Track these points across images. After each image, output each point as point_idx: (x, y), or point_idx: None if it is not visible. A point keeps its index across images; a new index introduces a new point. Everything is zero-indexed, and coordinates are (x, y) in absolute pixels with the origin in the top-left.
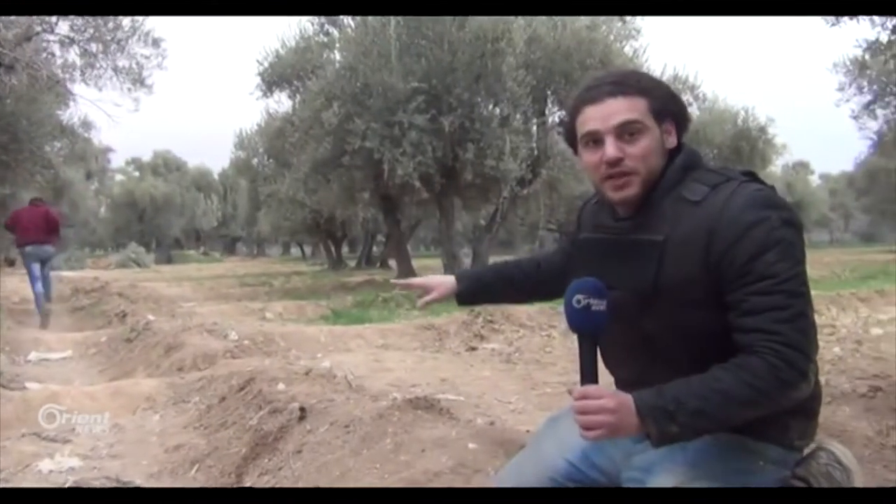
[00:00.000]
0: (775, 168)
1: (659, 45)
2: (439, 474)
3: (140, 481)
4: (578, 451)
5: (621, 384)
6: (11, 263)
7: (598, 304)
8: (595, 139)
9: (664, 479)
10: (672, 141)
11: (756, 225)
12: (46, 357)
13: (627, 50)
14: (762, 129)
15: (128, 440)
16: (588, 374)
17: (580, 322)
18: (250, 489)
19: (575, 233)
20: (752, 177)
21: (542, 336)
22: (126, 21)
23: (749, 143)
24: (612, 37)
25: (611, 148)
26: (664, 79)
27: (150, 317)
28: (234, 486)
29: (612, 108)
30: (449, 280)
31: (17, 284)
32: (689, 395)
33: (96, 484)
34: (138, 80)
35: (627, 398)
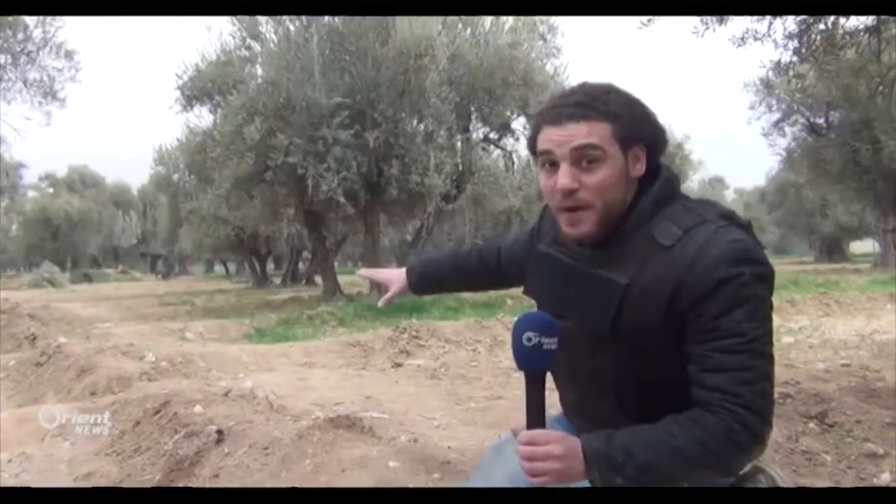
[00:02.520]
0: (692, 183)
1: (579, 63)
2: None
3: None
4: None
5: (565, 405)
6: None
7: (550, 343)
8: (551, 161)
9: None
10: (640, 168)
11: (728, 281)
12: None
13: (549, 68)
14: (679, 146)
15: (35, 469)
16: (534, 416)
17: (530, 361)
18: (250, 489)
19: (535, 234)
20: (730, 220)
21: (468, 351)
22: (37, 32)
23: (667, 158)
24: (533, 55)
25: (564, 176)
26: None
27: (63, 339)
28: None
29: (571, 132)
30: (402, 274)
31: None
32: (639, 447)
33: None
34: (50, 93)
35: (575, 444)
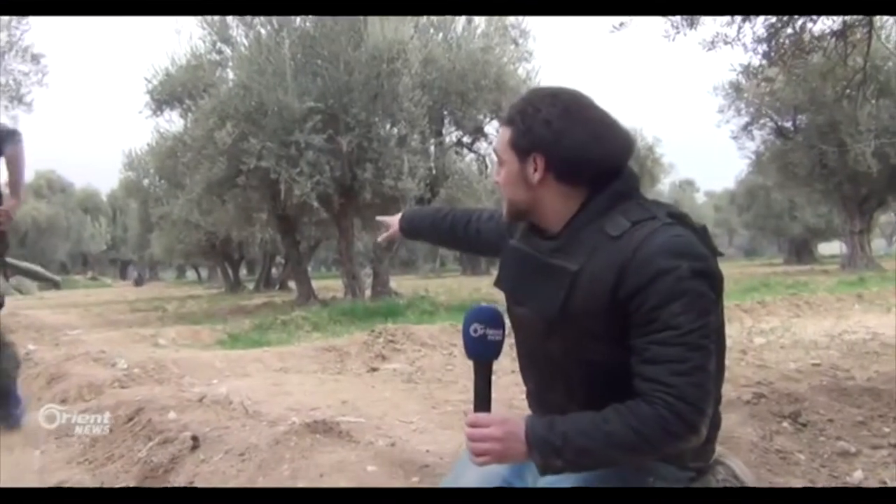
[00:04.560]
0: (663, 186)
1: (551, 67)
2: None
3: None
4: (499, 479)
5: (528, 394)
6: None
7: (495, 334)
8: None
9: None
10: (537, 176)
11: (665, 273)
12: None
13: (521, 72)
14: (650, 149)
15: (4, 480)
16: (481, 401)
17: (476, 350)
18: (251, 489)
19: (511, 230)
20: (678, 218)
21: (444, 354)
22: (2, 35)
23: (638, 162)
24: (505, 59)
25: (494, 171)
26: None
27: (31, 346)
28: None
29: (498, 135)
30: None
31: None
32: (576, 433)
33: None
34: (16, 98)
35: (517, 427)
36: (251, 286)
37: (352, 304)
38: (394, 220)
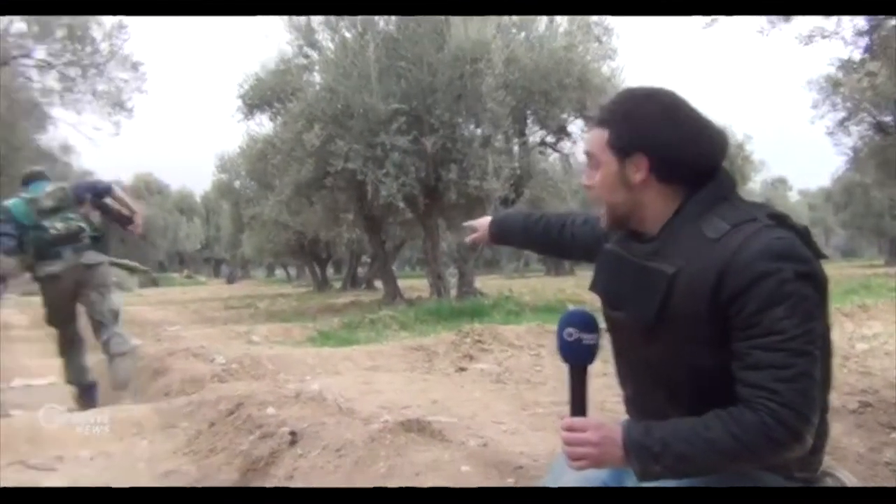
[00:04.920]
0: (754, 184)
1: (636, 64)
2: None
3: None
4: (598, 482)
5: (626, 400)
6: None
7: (589, 339)
8: None
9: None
10: (639, 177)
11: (767, 276)
12: (30, 384)
13: (605, 70)
14: (740, 146)
15: (116, 467)
16: (576, 405)
17: (570, 355)
18: (251, 489)
19: (608, 234)
20: (779, 220)
21: (531, 355)
22: (104, 45)
23: (728, 159)
24: (588, 57)
25: (584, 174)
26: None
27: (135, 341)
28: None
29: (589, 136)
30: (487, 222)
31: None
32: (676, 439)
33: None
34: (118, 104)
35: (614, 432)
36: (338, 285)
37: (438, 303)
38: (481, 224)
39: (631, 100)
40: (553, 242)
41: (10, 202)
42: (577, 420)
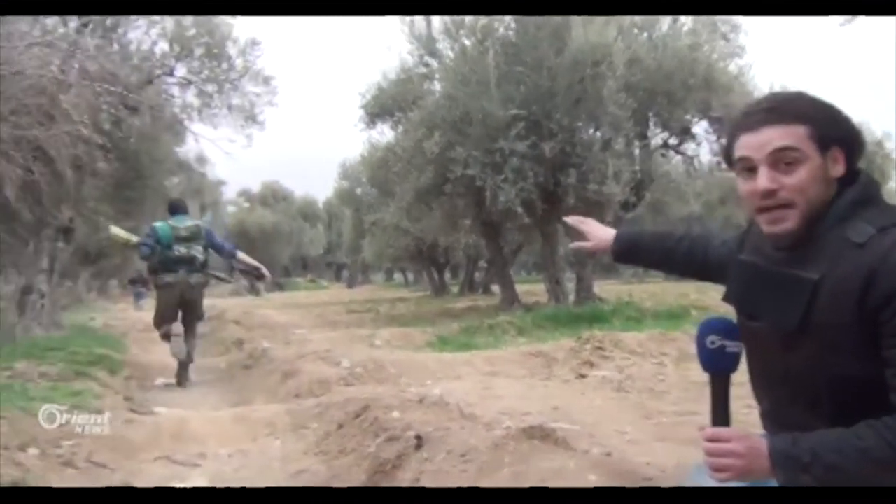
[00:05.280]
0: (895, 183)
1: (764, 61)
2: None
3: None
4: None
5: (762, 414)
6: None
7: (733, 346)
8: (749, 167)
9: None
10: (839, 169)
11: None
12: (171, 382)
13: (732, 68)
14: (879, 144)
15: (252, 465)
16: (719, 415)
17: (713, 363)
18: (252, 489)
19: (740, 242)
20: None
21: (654, 363)
22: (239, 61)
23: (865, 158)
24: (715, 55)
25: (763, 178)
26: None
27: (266, 344)
28: None
29: (767, 136)
30: (607, 236)
31: (141, 314)
32: (825, 449)
33: None
34: (250, 117)
35: (760, 443)
36: (455, 290)
37: (556, 309)
38: (597, 235)
39: (809, 96)
40: (696, 265)
41: (158, 224)
42: (722, 430)
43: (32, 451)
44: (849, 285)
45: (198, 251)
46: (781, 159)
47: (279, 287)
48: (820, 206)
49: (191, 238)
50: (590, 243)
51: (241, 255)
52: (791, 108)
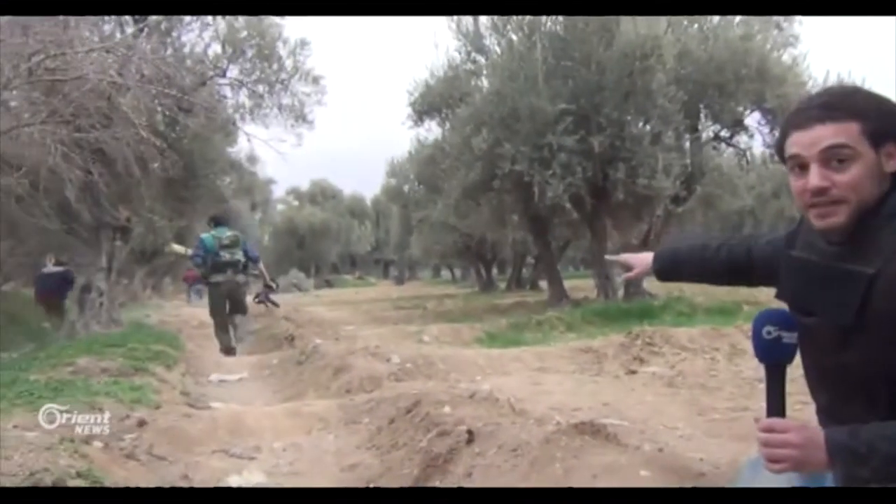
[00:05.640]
0: None
1: (820, 50)
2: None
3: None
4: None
5: (818, 410)
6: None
7: (789, 337)
8: (800, 164)
9: None
10: (893, 165)
11: None
12: (225, 378)
13: (786, 58)
14: None
15: (306, 458)
16: (774, 406)
17: (769, 354)
18: (254, 489)
19: (790, 241)
20: None
21: (706, 359)
22: (289, 61)
23: None
24: (768, 45)
25: (814, 177)
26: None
27: (317, 340)
28: None
29: (819, 134)
30: (647, 259)
31: (195, 310)
32: (884, 440)
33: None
34: (300, 117)
35: (817, 434)
36: (502, 286)
37: (605, 304)
38: (639, 261)
39: (863, 91)
40: (741, 270)
41: (204, 235)
42: (778, 421)
43: (96, 443)
44: None
45: (239, 255)
46: (833, 157)
47: (328, 284)
48: (872, 202)
49: (231, 245)
50: (633, 271)
51: (261, 265)
52: (843, 104)
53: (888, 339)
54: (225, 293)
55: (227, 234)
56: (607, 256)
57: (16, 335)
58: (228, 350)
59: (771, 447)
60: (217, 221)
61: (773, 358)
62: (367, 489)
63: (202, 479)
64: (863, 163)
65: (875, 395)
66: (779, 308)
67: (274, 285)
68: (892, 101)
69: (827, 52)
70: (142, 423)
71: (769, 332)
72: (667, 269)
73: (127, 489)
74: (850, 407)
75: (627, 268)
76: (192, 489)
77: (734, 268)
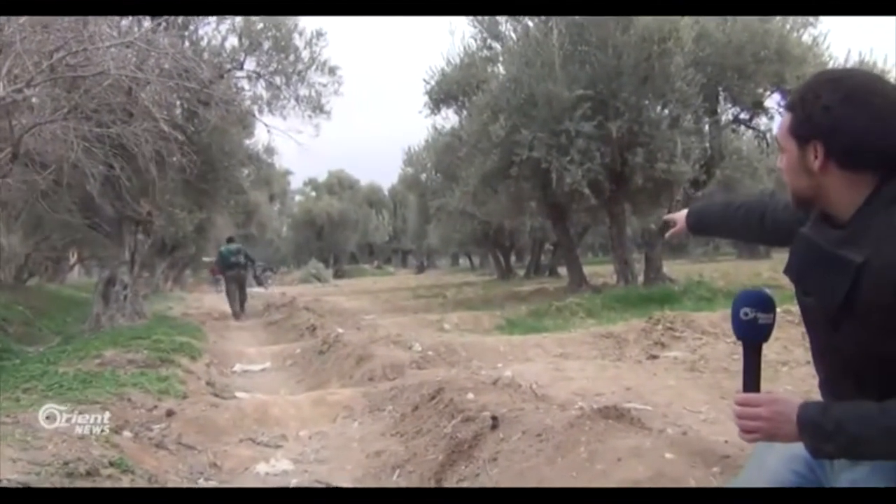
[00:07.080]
0: None
1: (841, 29)
2: (638, 483)
3: (347, 485)
4: (803, 462)
5: (819, 384)
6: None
7: (765, 318)
8: None
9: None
10: (817, 164)
11: None
12: (249, 368)
13: (806, 38)
14: None
15: (332, 446)
16: (750, 381)
17: (744, 333)
18: (256, 489)
19: (805, 214)
20: None
21: (728, 343)
22: (305, 53)
23: None
24: (787, 26)
25: (778, 158)
26: (848, 65)
27: (339, 329)
28: (435, 489)
29: (781, 121)
30: (684, 214)
31: (216, 302)
32: (851, 421)
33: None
34: (317, 107)
35: (787, 407)
36: (521, 273)
37: (625, 290)
38: (679, 216)
39: (815, 85)
40: (754, 230)
41: (223, 248)
42: (751, 395)
43: (126, 433)
44: (893, 269)
45: (242, 259)
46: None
47: (346, 274)
48: (807, 194)
49: (237, 253)
50: (678, 226)
51: (257, 264)
52: (791, 97)
53: (876, 326)
54: (234, 280)
55: (233, 247)
56: (666, 217)
57: (42, 329)
58: (236, 315)
59: (744, 419)
60: (229, 240)
61: (748, 336)
62: (379, 489)
63: (231, 466)
64: (788, 156)
65: (863, 377)
66: (758, 290)
67: (269, 272)
68: (845, 97)
69: (849, 29)
70: (170, 413)
71: (746, 314)
72: (697, 223)
73: (127, 489)
74: (843, 385)
75: (672, 224)
76: (199, 489)
77: (749, 229)
